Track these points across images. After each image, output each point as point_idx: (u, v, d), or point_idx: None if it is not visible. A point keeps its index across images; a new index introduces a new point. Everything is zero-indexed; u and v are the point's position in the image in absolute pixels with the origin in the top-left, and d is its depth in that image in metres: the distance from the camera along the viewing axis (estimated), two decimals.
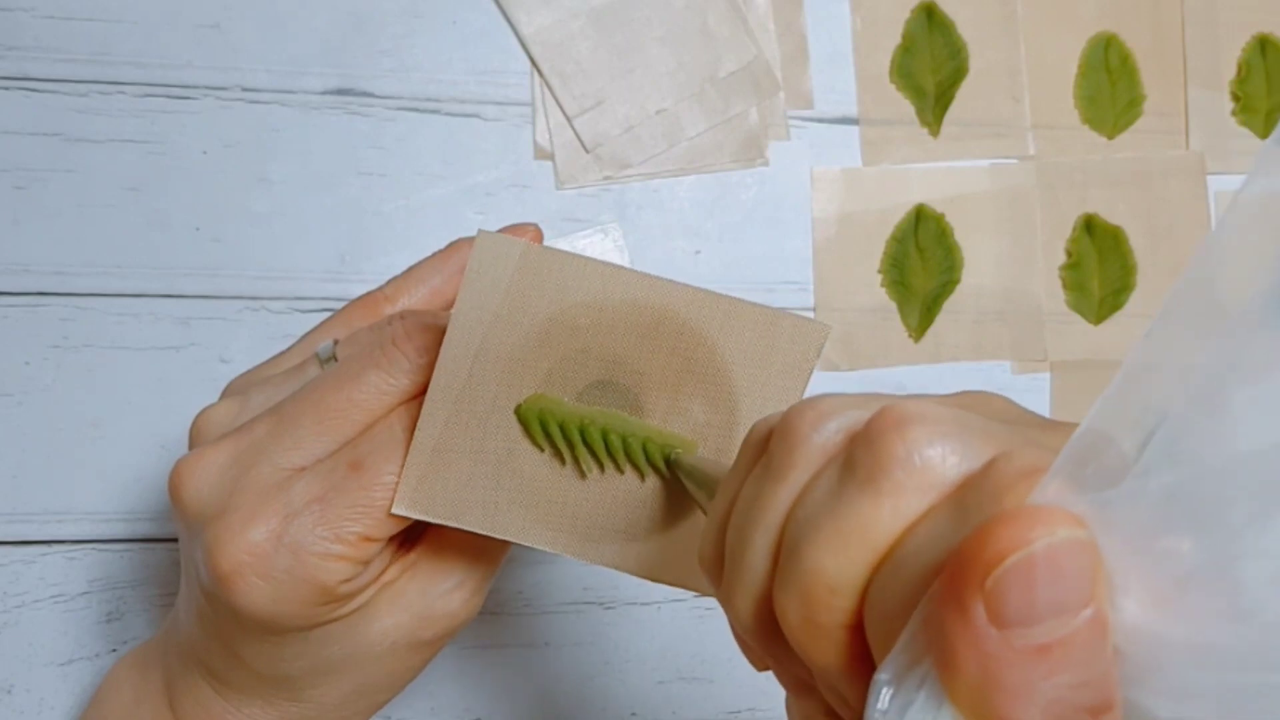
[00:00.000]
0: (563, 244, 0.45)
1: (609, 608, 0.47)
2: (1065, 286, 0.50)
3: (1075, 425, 0.17)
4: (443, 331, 0.31)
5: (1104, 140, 0.51)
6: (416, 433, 0.30)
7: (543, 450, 0.31)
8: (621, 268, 0.31)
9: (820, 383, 0.48)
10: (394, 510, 0.30)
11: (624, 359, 0.31)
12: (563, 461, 0.31)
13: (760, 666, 0.22)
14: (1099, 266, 0.50)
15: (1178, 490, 0.14)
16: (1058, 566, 0.14)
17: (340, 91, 0.47)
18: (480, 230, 0.30)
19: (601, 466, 0.31)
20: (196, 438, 0.33)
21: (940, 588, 0.15)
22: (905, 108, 0.50)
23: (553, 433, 0.30)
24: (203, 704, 0.34)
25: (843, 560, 0.18)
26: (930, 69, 0.50)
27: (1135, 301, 0.50)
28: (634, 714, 0.47)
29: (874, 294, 0.49)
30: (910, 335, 0.49)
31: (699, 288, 0.31)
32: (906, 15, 0.50)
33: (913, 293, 0.49)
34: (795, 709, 0.21)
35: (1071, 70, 0.51)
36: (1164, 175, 0.51)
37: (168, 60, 0.46)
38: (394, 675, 0.34)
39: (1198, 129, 0.51)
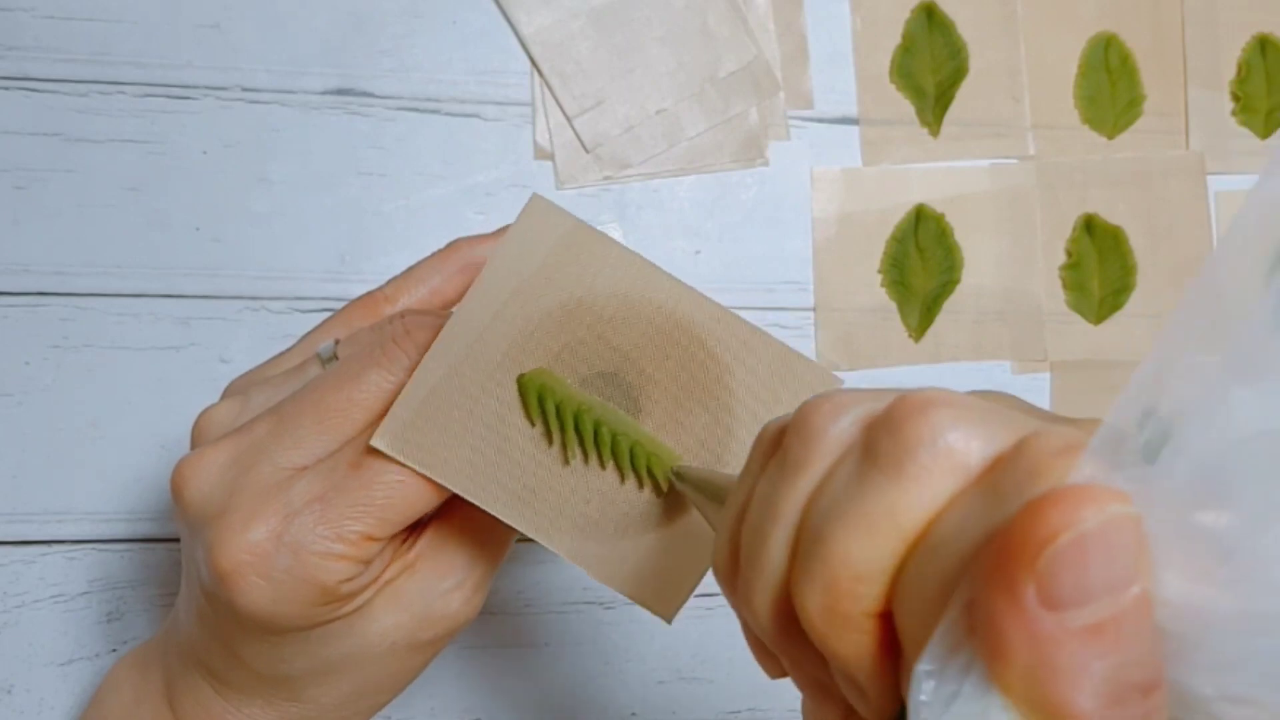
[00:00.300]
0: None
1: (609, 608, 0.47)
2: (1065, 286, 0.50)
3: (1087, 419, 0.17)
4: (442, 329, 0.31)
5: (1104, 140, 0.51)
6: (415, 373, 0.30)
7: (533, 425, 0.31)
8: (658, 269, 0.31)
9: None
10: (372, 442, 0.30)
11: (636, 359, 0.31)
12: (550, 442, 0.31)
13: (774, 673, 0.22)
14: (1099, 266, 0.50)
15: (1213, 464, 0.14)
16: (1110, 544, 0.14)
17: (340, 91, 0.47)
18: (535, 194, 0.30)
19: (586, 457, 0.31)
20: (197, 438, 0.33)
21: (986, 571, 0.15)
22: (905, 108, 0.50)
23: (548, 410, 0.30)
24: (203, 704, 0.34)
25: (869, 546, 0.17)
26: (930, 69, 0.50)
27: (1135, 301, 0.50)
28: (634, 714, 0.47)
29: (874, 294, 0.49)
30: (910, 335, 0.49)
31: (726, 309, 0.31)
32: (906, 15, 0.50)
33: (913, 293, 0.49)
34: (811, 713, 0.21)
35: (1071, 70, 0.51)
36: (1164, 175, 0.51)
37: (168, 60, 0.46)
38: (394, 676, 0.34)
39: (1198, 129, 0.51)
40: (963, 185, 0.50)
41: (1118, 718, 0.14)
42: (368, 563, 0.30)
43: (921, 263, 0.49)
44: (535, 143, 0.48)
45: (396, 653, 0.33)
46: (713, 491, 0.27)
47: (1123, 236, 0.50)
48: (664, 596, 0.32)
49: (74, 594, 0.44)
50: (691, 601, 0.49)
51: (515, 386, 0.31)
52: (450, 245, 0.41)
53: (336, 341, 0.34)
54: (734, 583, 0.22)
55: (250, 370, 0.36)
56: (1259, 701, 0.13)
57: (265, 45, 0.46)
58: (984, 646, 0.15)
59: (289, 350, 0.36)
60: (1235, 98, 0.51)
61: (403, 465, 0.30)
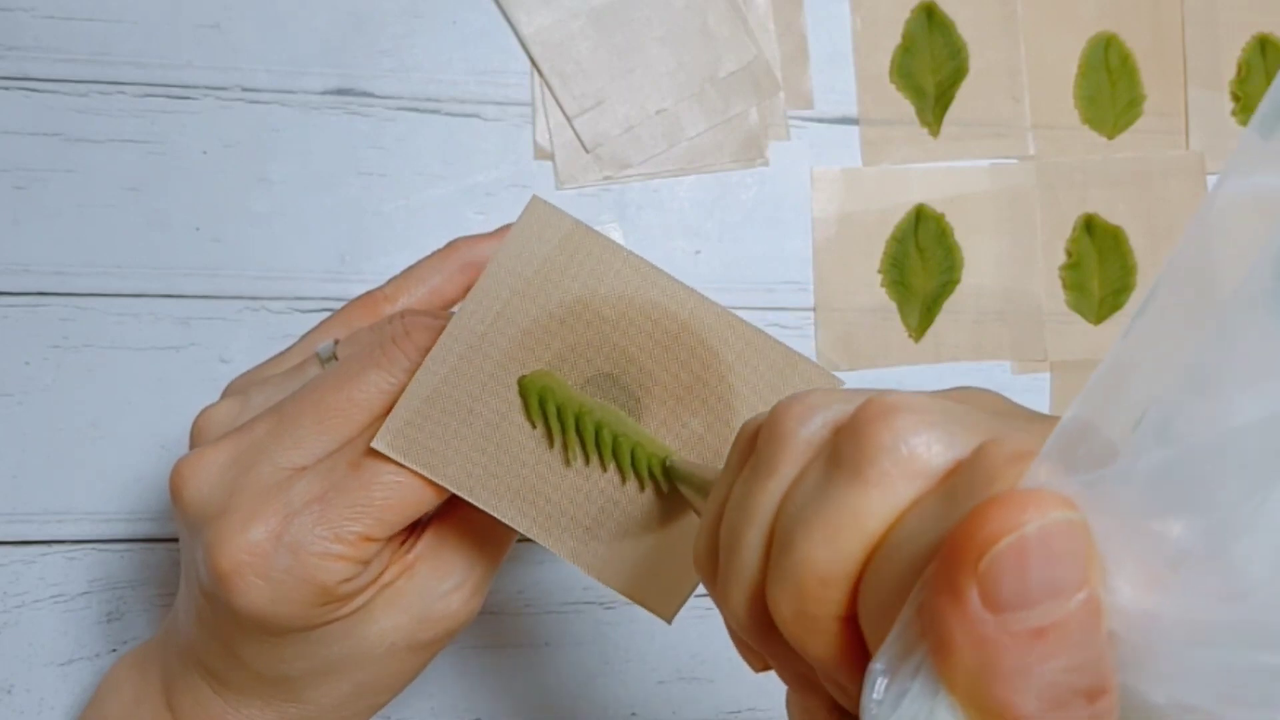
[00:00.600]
0: None
1: (609, 608, 0.47)
2: (1065, 286, 0.50)
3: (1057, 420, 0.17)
4: (443, 330, 0.31)
5: (1104, 140, 0.51)
6: (416, 375, 0.30)
7: (534, 427, 0.31)
8: (659, 270, 0.31)
9: None
10: (373, 444, 0.30)
11: (637, 359, 0.31)
12: (551, 444, 0.31)
13: (758, 667, 0.22)
14: (1099, 266, 0.50)
15: (1168, 470, 0.14)
16: (1050, 548, 0.14)
17: (340, 91, 0.47)
18: (535, 195, 0.30)
19: (587, 459, 0.31)
20: (197, 437, 0.33)
21: (933, 574, 0.15)
22: (905, 108, 0.50)
23: (549, 412, 0.30)
24: (202, 704, 0.34)
25: (833, 551, 0.18)
26: (930, 69, 0.50)
27: (1135, 301, 0.50)
28: (634, 714, 0.47)
29: (874, 294, 0.49)
30: (910, 335, 0.49)
31: (728, 311, 0.31)
32: (906, 15, 0.50)
33: (913, 293, 0.49)
34: (796, 705, 0.21)
35: (1071, 70, 0.51)
36: (1164, 175, 0.51)
37: (168, 60, 0.46)
38: (393, 676, 0.34)
39: (1198, 129, 0.51)
40: (963, 185, 0.50)
41: None
42: (366, 563, 0.30)
43: (921, 263, 0.49)
44: (535, 143, 0.48)
45: (396, 653, 0.33)
46: (701, 485, 0.27)
47: (1123, 236, 0.50)
48: (664, 597, 0.32)
49: (74, 594, 0.44)
50: (691, 601, 0.49)
51: (516, 388, 0.31)
52: (450, 245, 0.41)
53: (336, 341, 0.34)
54: (712, 578, 0.22)
55: (250, 370, 0.36)
56: (1209, 711, 0.13)
57: (265, 45, 0.46)
58: (932, 646, 0.15)
59: (289, 350, 0.36)
60: (1235, 98, 0.51)
61: (402, 466, 0.30)
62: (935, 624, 0.15)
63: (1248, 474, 0.13)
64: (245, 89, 0.46)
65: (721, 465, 0.31)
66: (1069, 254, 0.50)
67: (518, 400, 0.31)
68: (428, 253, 0.39)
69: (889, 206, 0.49)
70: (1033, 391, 0.49)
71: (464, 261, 0.40)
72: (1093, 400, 0.15)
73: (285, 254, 0.46)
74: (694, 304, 0.31)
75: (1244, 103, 0.51)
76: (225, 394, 0.35)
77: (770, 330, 0.32)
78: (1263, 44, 0.52)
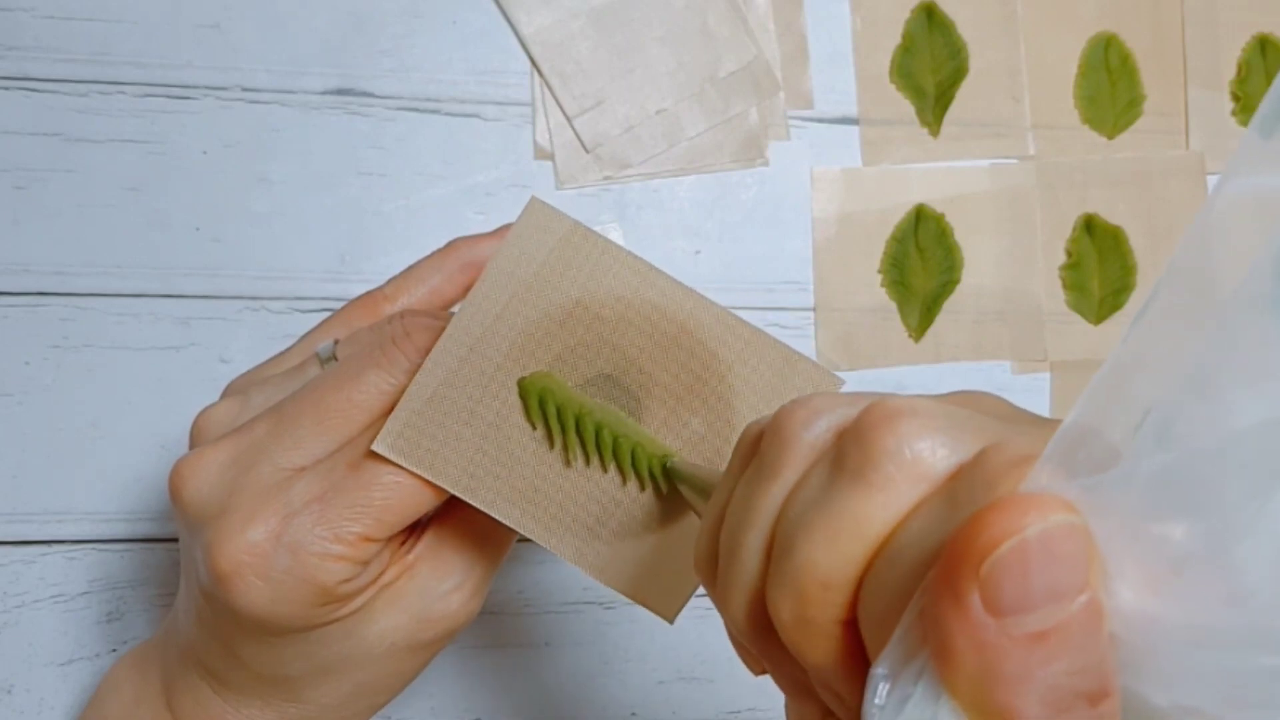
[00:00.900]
0: None
1: (609, 608, 0.47)
2: (1065, 286, 0.50)
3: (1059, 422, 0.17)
4: (442, 331, 0.31)
5: (1104, 140, 0.51)
6: (416, 377, 0.30)
7: (534, 429, 0.31)
8: (658, 271, 0.31)
9: None
10: (373, 447, 0.30)
11: (636, 360, 0.31)
12: (551, 445, 0.31)
13: (756, 670, 0.22)
14: (1099, 266, 0.50)
15: (1170, 473, 0.14)
16: (1051, 552, 0.14)
17: (340, 91, 0.47)
18: (533, 196, 0.30)
19: (587, 459, 0.31)
20: (197, 437, 0.33)
21: (934, 578, 0.15)
22: (905, 108, 0.50)
23: (549, 414, 0.30)
24: (201, 704, 0.34)
25: (835, 555, 0.18)
26: (930, 69, 0.50)
27: (1135, 301, 0.50)
28: (634, 714, 0.47)
29: (874, 294, 0.49)
30: (910, 335, 0.49)
31: (728, 311, 0.31)
32: (906, 15, 0.50)
33: (913, 293, 0.49)
34: (793, 711, 0.21)
35: (1071, 70, 0.51)
36: (1164, 175, 0.51)
37: (168, 60, 0.46)
38: (393, 676, 0.34)
39: (1198, 129, 0.51)
40: (963, 185, 0.50)
41: None
42: (366, 563, 0.30)
43: (921, 263, 0.49)
44: (535, 143, 0.48)
45: (396, 654, 0.33)
46: (702, 487, 0.27)
47: (1123, 236, 0.50)
48: (666, 597, 0.32)
49: (74, 594, 0.44)
50: (691, 601, 0.49)
51: (516, 389, 0.31)
52: (449, 245, 0.41)
53: (336, 341, 0.34)
54: (713, 582, 0.22)
55: (250, 370, 0.36)
56: (1210, 714, 0.13)
57: (265, 45, 0.46)
58: (934, 651, 0.15)
59: (289, 350, 0.36)
60: (1235, 98, 0.51)
61: (403, 468, 0.30)
62: (937, 628, 0.15)
63: (1249, 476, 0.13)
64: (245, 89, 0.46)
65: (723, 467, 0.32)
66: (1069, 254, 0.50)
67: (518, 401, 0.31)
68: (428, 253, 0.39)
69: (889, 206, 0.49)
70: (1033, 391, 0.49)
71: (464, 261, 0.40)
72: (1094, 403, 0.15)
73: (285, 254, 0.46)
74: (693, 305, 0.31)
75: (1244, 103, 0.51)
76: (225, 394, 0.35)
77: (770, 330, 0.32)
78: (1263, 44, 0.52)
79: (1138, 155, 0.51)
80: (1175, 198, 0.51)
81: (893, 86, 0.50)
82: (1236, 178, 0.14)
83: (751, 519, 0.20)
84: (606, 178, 0.48)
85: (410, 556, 0.33)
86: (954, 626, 0.14)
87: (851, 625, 0.18)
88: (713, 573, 0.22)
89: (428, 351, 0.31)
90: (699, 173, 0.48)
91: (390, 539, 0.31)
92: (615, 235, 0.47)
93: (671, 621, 0.32)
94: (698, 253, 0.48)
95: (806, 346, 0.48)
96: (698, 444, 0.31)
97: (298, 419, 0.31)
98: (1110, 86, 0.51)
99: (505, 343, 0.31)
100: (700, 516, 0.28)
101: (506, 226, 0.42)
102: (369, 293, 0.38)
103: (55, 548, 0.44)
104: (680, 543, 0.32)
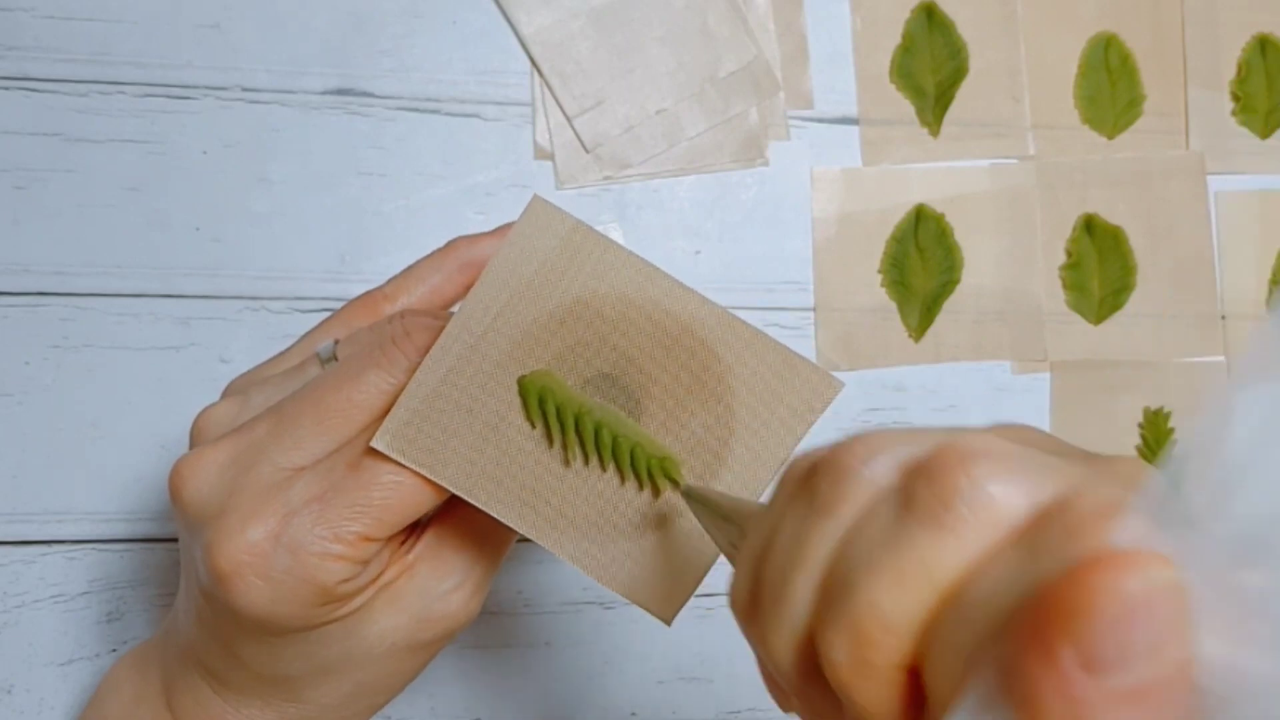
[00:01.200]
0: None
1: (609, 608, 0.47)
2: (1065, 286, 0.50)
3: (1120, 456, 0.17)
4: (442, 330, 0.31)
5: (1104, 140, 0.51)
6: (416, 374, 0.30)
7: (534, 427, 0.31)
8: (659, 270, 0.31)
9: None
10: (372, 443, 0.30)
11: (637, 360, 0.31)
12: (551, 444, 0.31)
13: (785, 708, 0.22)
14: (1099, 266, 0.50)
15: (1255, 523, 0.14)
16: (1153, 610, 0.14)
17: (340, 91, 0.47)
18: (535, 195, 0.30)
19: (586, 459, 0.31)
20: (197, 437, 0.33)
21: (1023, 631, 0.15)
22: (905, 108, 0.50)
23: (549, 412, 0.30)
24: (202, 704, 0.34)
25: (901, 598, 0.17)
26: (930, 69, 0.50)
27: (1135, 301, 0.50)
28: (634, 714, 0.47)
29: (874, 294, 0.49)
30: (910, 335, 0.49)
31: (729, 312, 0.31)
32: (906, 15, 0.50)
33: (913, 293, 0.49)
34: None
35: (1071, 70, 0.51)
36: (1164, 175, 0.51)
37: (168, 60, 0.46)
38: (393, 676, 0.34)
39: (1198, 129, 0.51)
40: (963, 185, 0.50)
41: None
42: (365, 563, 0.30)
43: (921, 263, 0.49)
44: (535, 143, 0.48)
45: (396, 653, 0.33)
46: (722, 513, 0.27)
47: (1123, 236, 0.50)
48: (664, 598, 0.32)
49: (74, 594, 0.44)
50: (692, 601, 0.49)
51: (516, 388, 0.31)
52: (449, 244, 0.41)
53: (336, 341, 0.34)
54: (753, 619, 0.21)
55: (250, 370, 0.36)
56: None
57: (265, 45, 0.46)
58: (1019, 706, 0.15)
59: (288, 350, 0.36)
60: (1235, 98, 0.51)
61: (402, 466, 0.30)
62: (1023, 683, 0.14)
63: None
64: (245, 89, 0.46)
65: (719, 468, 0.31)
66: (1069, 254, 0.50)
67: (517, 400, 0.31)
68: (427, 252, 0.39)
69: (889, 206, 0.49)
70: (1033, 391, 0.49)
71: (463, 260, 0.40)
72: (1183, 452, 0.15)
73: (285, 254, 0.46)
74: (694, 305, 0.31)
75: (1244, 103, 0.51)
76: (225, 394, 0.35)
77: (770, 330, 0.32)
78: (1263, 44, 0.52)
79: (1138, 155, 0.51)
80: (1175, 198, 0.51)
81: (893, 86, 0.50)
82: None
83: (805, 556, 0.19)
84: (606, 178, 0.48)
85: (410, 556, 0.33)
86: (1044, 682, 0.14)
87: (910, 672, 0.17)
88: (752, 611, 0.21)
89: (428, 351, 0.31)
90: (699, 173, 0.48)
91: (390, 539, 0.31)
92: (615, 235, 0.47)
93: (669, 623, 0.32)
94: (698, 253, 0.48)
95: (806, 346, 0.48)
96: (696, 445, 0.31)
97: (298, 419, 0.31)
98: (1110, 86, 0.51)
99: (506, 341, 0.31)
100: (718, 542, 0.27)
101: (507, 226, 0.42)
102: (369, 292, 0.38)
103: (55, 548, 0.44)
104: (679, 544, 0.32)
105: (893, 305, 0.49)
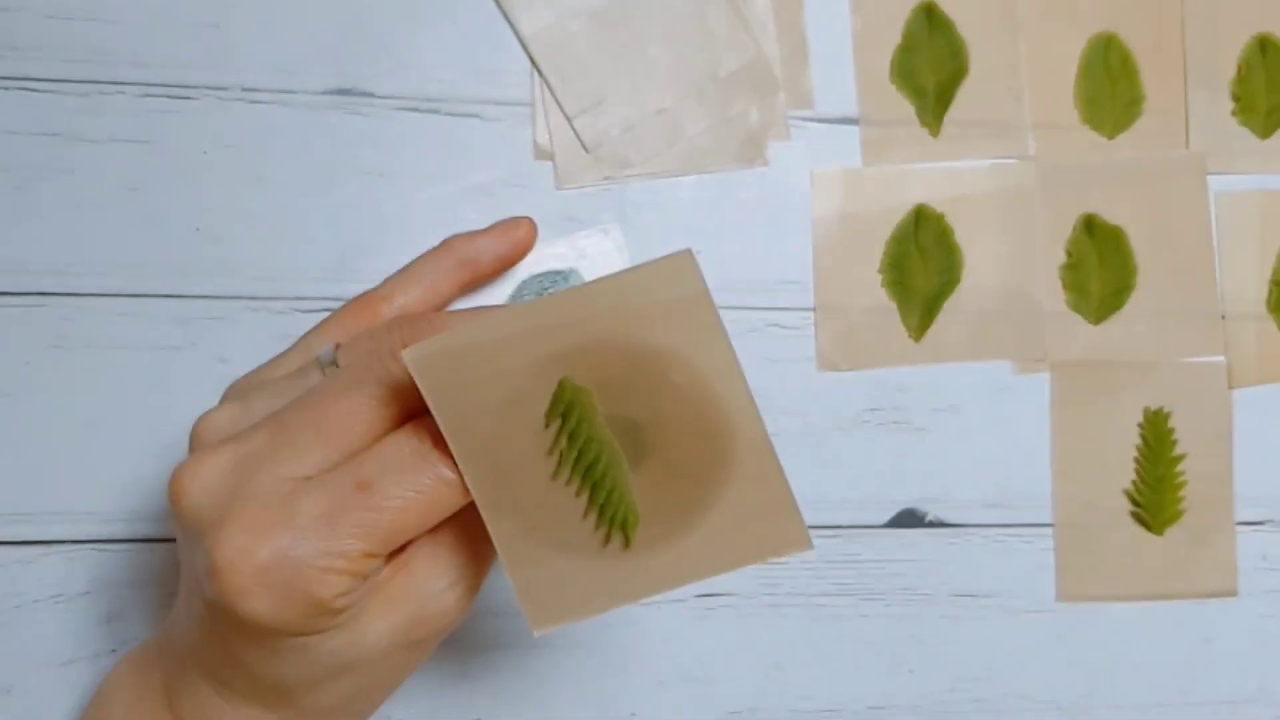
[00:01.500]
0: (562, 244, 0.45)
1: None
2: (1065, 286, 0.50)
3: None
4: (442, 334, 0.31)
5: (1104, 140, 0.51)
6: (479, 320, 0.30)
7: (545, 427, 0.31)
8: (741, 374, 0.31)
9: (821, 382, 0.48)
10: (402, 355, 0.29)
11: (666, 428, 0.31)
12: (551, 450, 0.31)
13: None
14: (1099, 266, 0.50)
15: None
16: None
17: (340, 91, 0.47)
18: (688, 249, 0.30)
19: (570, 479, 0.31)
20: (196, 442, 0.33)
21: None
22: (905, 108, 0.50)
23: (569, 421, 0.30)
24: (203, 706, 0.34)
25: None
26: (930, 69, 0.50)
27: (1135, 301, 0.50)
28: (634, 714, 0.47)
29: (874, 294, 0.49)
30: (910, 335, 0.49)
31: (769, 440, 0.31)
32: (906, 15, 0.50)
33: (913, 293, 0.49)
34: None
35: (1071, 70, 0.51)
36: (1164, 175, 0.51)
37: (168, 60, 0.46)
38: (391, 675, 0.34)
39: (1198, 129, 0.51)
40: (963, 185, 0.50)
41: None
42: (366, 578, 0.30)
43: (922, 263, 0.49)
44: (535, 143, 0.48)
45: (393, 653, 0.33)
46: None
47: (1123, 236, 0.50)
48: (545, 607, 0.32)
49: (74, 594, 0.44)
50: (692, 601, 0.49)
51: (555, 383, 0.31)
52: (445, 242, 0.41)
53: (337, 346, 0.34)
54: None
55: (249, 373, 0.36)
56: None
57: (265, 45, 0.46)
58: None
59: (287, 352, 0.36)
60: (1235, 98, 0.51)
61: (408, 469, 0.30)
62: None
63: None
64: (245, 89, 0.46)
65: (665, 549, 0.32)
66: (1069, 254, 0.50)
67: (548, 393, 0.31)
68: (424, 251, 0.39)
69: (889, 206, 0.49)
70: (1033, 391, 0.49)
71: (460, 258, 0.40)
72: None
73: (285, 254, 0.46)
74: (746, 417, 0.31)
75: (1244, 103, 0.51)
76: (225, 398, 0.35)
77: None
78: (1263, 44, 0.52)
79: (1138, 155, 0.51)
80: (1175, 198, 0.51)
81: (893, 86, 0.50)
82: None
83: None
84: (606, 178, 0.48)
85: (404, 556, 0.33)
86: None
87: None
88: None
89: None
90: (699, 173, 0.48)
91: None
92: (615, 235, 0.47)
93: (535, 632, 0.32)
94: (698, 253, 0.48)
95: (806, 346, 0.48)
96: (660, 517, 0.31)
97: (299, 429, 0.31)
98: (1110, 86, 0.51)
99: (575, 339, 0.30)
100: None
101: (503, 223, 0.42)
102: (366, 293, 0.38)
103: (55, 548, 0.44)
104: (590, 579, 0.32)
105: (893, 305, 0.49)
